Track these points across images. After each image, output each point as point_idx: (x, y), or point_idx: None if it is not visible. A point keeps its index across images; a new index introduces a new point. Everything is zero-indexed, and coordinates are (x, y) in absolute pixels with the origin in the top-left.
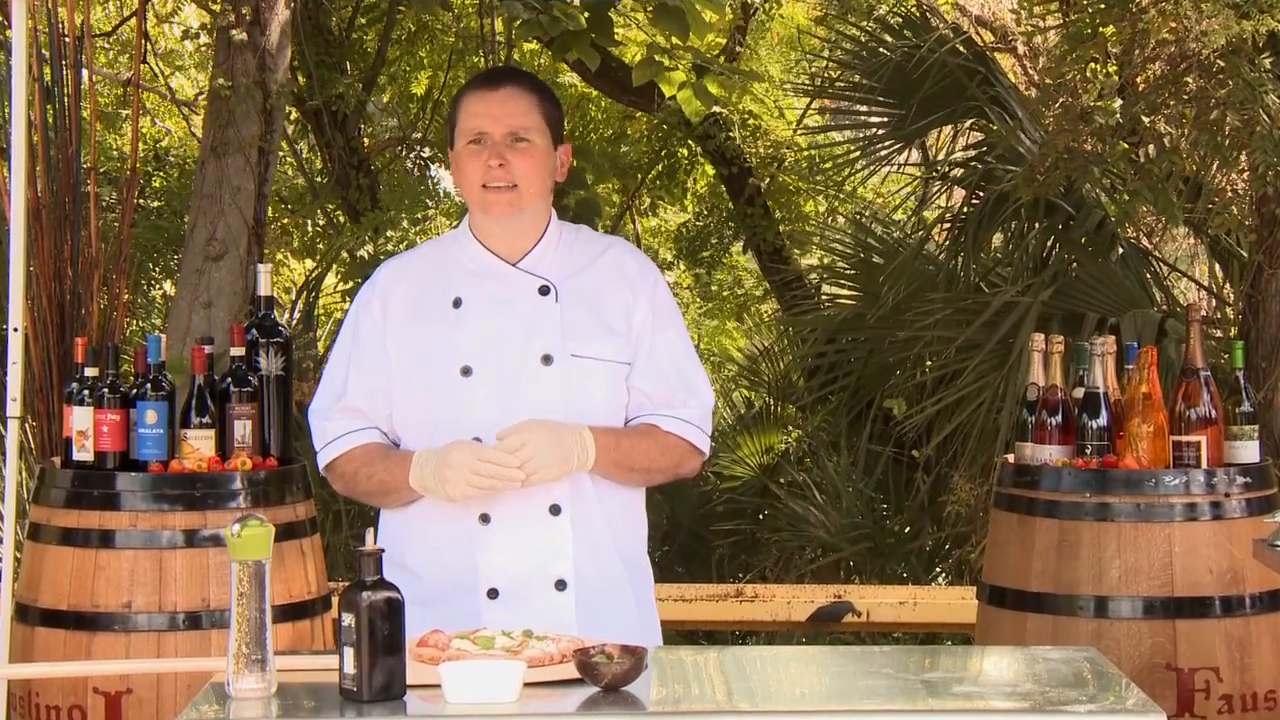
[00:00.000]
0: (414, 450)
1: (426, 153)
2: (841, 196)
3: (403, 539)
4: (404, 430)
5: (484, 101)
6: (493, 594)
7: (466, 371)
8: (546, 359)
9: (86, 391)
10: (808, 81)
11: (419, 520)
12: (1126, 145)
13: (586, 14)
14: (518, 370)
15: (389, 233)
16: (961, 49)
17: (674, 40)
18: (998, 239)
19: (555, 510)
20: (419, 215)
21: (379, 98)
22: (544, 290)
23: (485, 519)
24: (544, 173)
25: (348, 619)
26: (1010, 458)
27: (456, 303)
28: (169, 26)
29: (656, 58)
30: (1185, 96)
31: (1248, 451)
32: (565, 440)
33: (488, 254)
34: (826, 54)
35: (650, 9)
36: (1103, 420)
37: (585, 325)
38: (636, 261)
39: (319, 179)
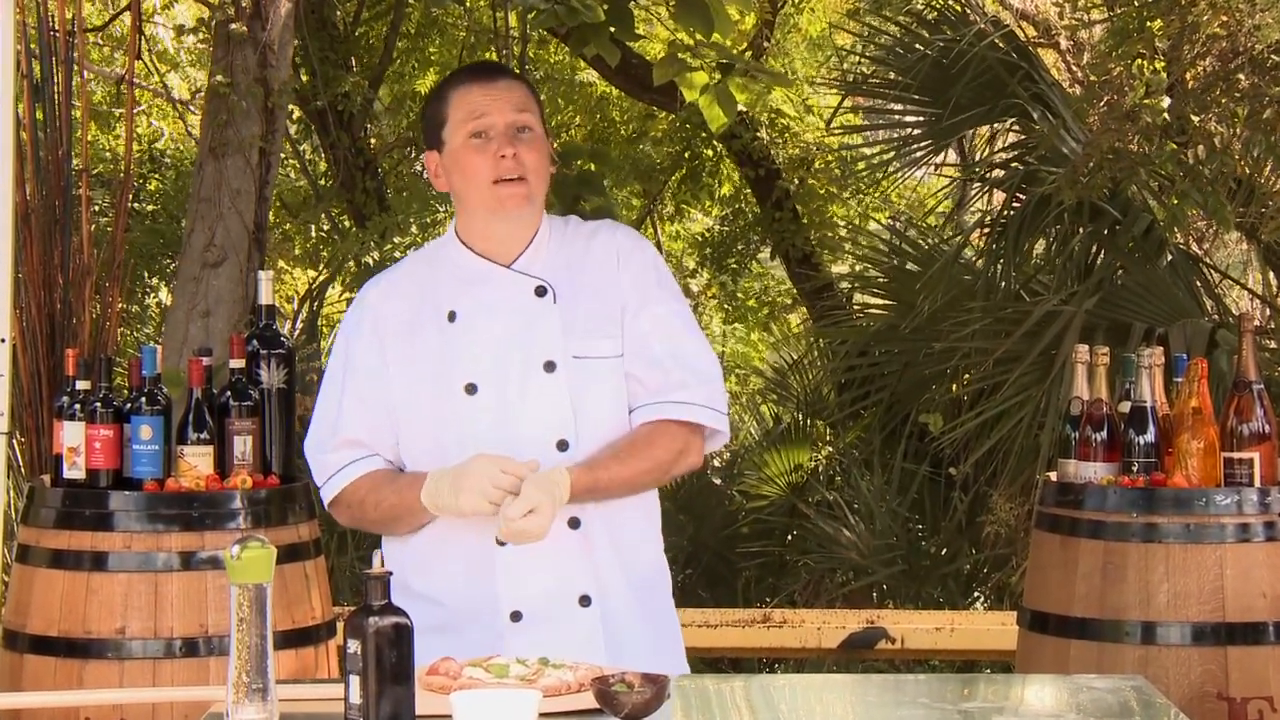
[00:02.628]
0: (422, 472)
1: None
2: (875, 200)
3: (414, 566)
4: (410, 455)
5: (485, 93)
6: (516, 617)
7: (471, 389)
8: (549, 366)
9: (78, 406)
10: (839, 79)
11: (429, 546)
12: (1175, 145)
13: (605, 6)
14: (521, 381)
15: (396, 238)
16: (1001, 44)
17: (698, 37)
18: (1039, 245)
19: (574, 523)
20: (428, 219)
21: (386, 96)
22: (540, 291)
23: (501, 541)
24: (547, 163)
25: (354, 646)
26: (1052, 476)
27: (451, 316)
28: (162, 25)
29: (680, 55)
30: (1237, 94)
31: None
32: (557, 498)
33: (478, 259)
34: (859, 50)
35: (673, 3)
36: (1150, 436)
37: (584, 322)
38: (625, 239)
39: (323, 182)
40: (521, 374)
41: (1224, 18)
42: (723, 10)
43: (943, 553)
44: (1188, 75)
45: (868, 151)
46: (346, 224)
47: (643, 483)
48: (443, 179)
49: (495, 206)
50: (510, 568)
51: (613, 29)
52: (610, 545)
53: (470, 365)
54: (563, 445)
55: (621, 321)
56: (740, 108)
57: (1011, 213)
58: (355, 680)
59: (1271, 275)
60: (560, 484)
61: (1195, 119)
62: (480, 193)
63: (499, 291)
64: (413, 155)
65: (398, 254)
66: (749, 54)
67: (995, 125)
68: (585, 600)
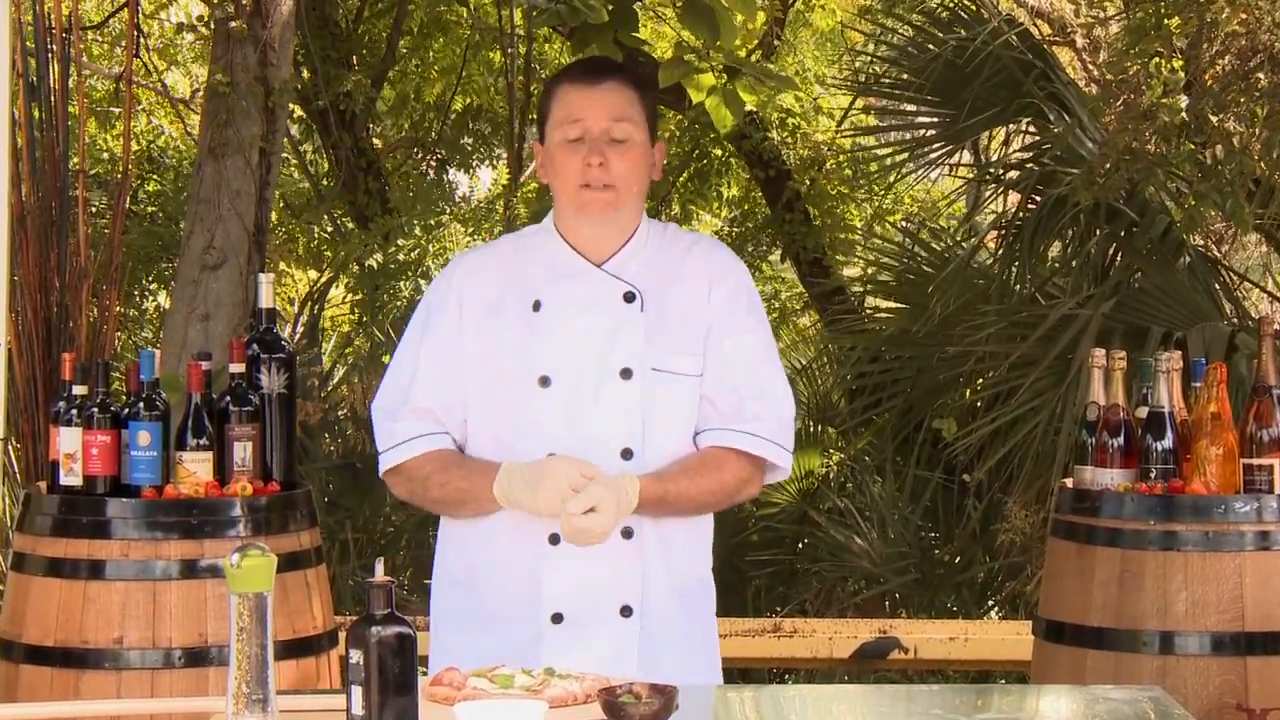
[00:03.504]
0: (491, 460)
1: (442, 153)
2: (887, 202)
3: (464, 557)
4: (474, 436)
5: (585, 96)
6: (557, 619)
7: (545, 382)
8: (625, 372)
9: (74, 411)
10: (851, 79)
11: (483, 537)
12: (1193, 145)
13: (609, 6)
14: (596, 383)
15: (400, 240)
16: (1016, 42)
17: (704, 41)
18: (1055, 247)
19: (628, 534)
20: (431, 221)
21: (388, 96)
22: (629, 297)
23: (554, 540)
24: (642, 172)
25: (356, 656)
26: (1068, 482)
27: (536, 305)
28: (163, 19)
29: (686, 58)
30: (1256, 93)
31: None
32: (623, 503)
33: (572, 253)
34: (871, 49)
35: (679, 5)
36: (1168, 442)
37: (669, 335)
38: (721, 258)
39: (324, 182)
40: (597, 376)
41: (1243, 15)
42: (728, 16)
43: (956, 561)
44: (1206, 74)
45: (880, 153)
46: (349, 225)
47: (707, 503)
48: (543, 171)
49: (579, 209)
50: (559, 569)
51: (616, 30)
52: (661, 557)
53: (547, 358)
54: (627, 454)
55: (705, 341)
56: (749, 108)
57: (1027, 214)
58: (357, 691)
59: None
60: (629, 489)
61: (1214, 118)
62: (568, 193)
63: (588, 289)
64: (418, 155)
65: (401, 256)
66: (759, 53)
67: (1010, 125)
68: (627, 610)
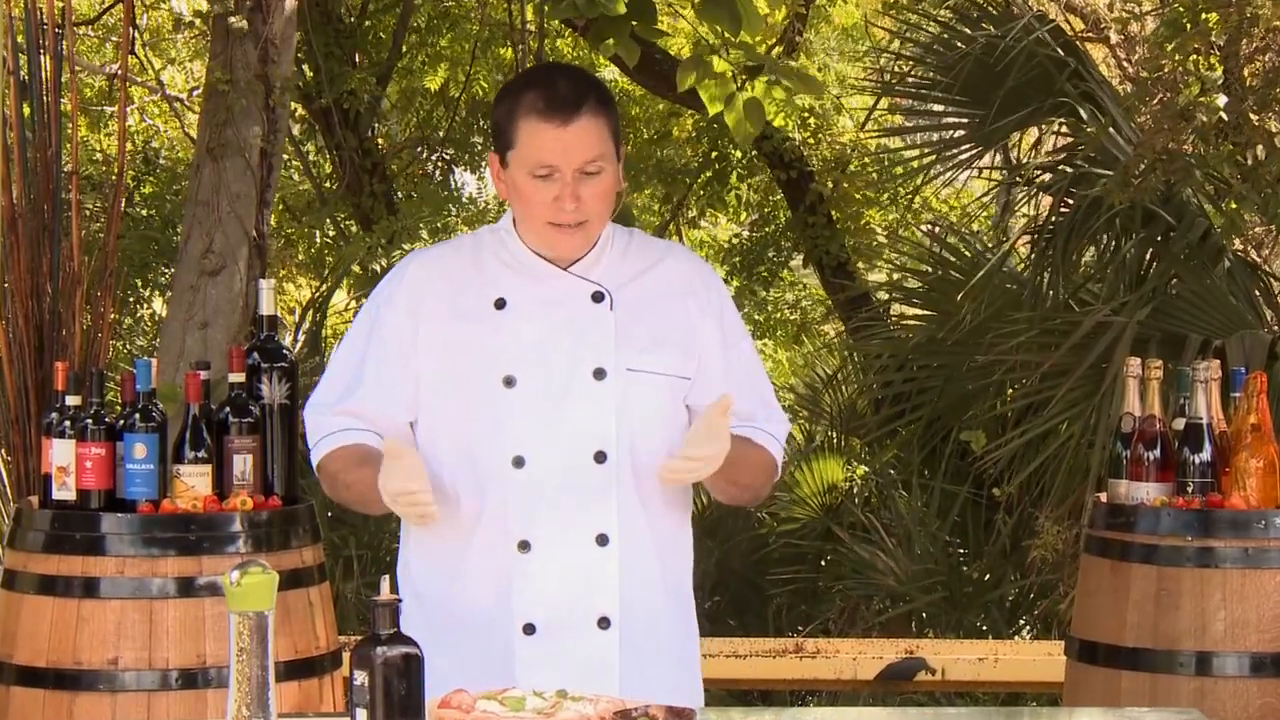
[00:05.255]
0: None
1: (450, 153)
2: (914, 205)
3: (428, 565)
4: (435, 446)
5: (557, 139)
6: (529, 629)
7: (509, 382)
8: (599, 373)
9: (68, 422)
10: (875, 77)
11: (445, 546)
12: (1232, 146)
13: None
14: (565, 383)
15: (405, 245)
16: (1048, 39)
17: (725, 35)
18: (1089, 252)
19: (603, 540)
20: (438, 224)
21: (394, 94)
22: (598, 297)
23: (524, 546)
24: (613, 196)
25: (360, 677)
26: (1102, 497)
27: (499, 303)
28: (161, 8)
29: (705, 58)
30: None
31: None
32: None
33: (535, 256)
34: (897, 46)
35: None
36: (1206, 454)
37: (641, 336)
38: (698, 269)
39: (328, 184)
40: (566, 376)
41: None
42: (751, 6)
43: (986, 579)
44: (1246, 71)
45: (907, 154)
46: (352, 229)
47: (750, 479)
48: (502, 186)
49: (547, 244)
50: (531, 578)
51: (634, 23)
52: (641, 567)
53: (512, 357)
54: (600, 456)
55: (688, 347)
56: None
57: (1059, 218)
58: (362, 714)
59: None
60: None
61: (1254, 117)
62: (534, 226)
63: (553, 289)
64: (424, 155)
65: None
66: (779, 48)
67: (1042, 126)
68: (604, 622)
